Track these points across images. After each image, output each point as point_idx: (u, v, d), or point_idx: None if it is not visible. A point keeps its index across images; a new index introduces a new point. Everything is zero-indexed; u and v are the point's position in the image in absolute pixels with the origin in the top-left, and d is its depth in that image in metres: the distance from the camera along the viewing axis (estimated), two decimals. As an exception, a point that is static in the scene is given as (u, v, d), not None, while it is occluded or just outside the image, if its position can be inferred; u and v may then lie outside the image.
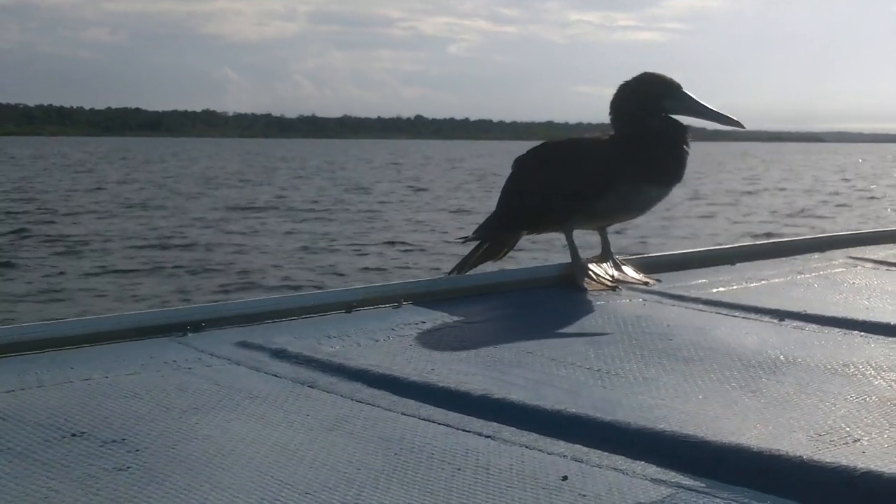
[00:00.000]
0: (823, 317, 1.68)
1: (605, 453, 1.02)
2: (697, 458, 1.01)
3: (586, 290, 1.91)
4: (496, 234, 2.06)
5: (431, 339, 1.52)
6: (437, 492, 0.92)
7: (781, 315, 1.70)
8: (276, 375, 1.29)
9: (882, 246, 2.57)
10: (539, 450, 1.03)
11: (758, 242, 2.46)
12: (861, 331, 1.60)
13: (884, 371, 1.36)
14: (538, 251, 8.50)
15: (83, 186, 22.85)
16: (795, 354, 1.44)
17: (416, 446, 1.03)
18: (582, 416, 1.11)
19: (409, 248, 11.71)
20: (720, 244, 2.47)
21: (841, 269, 2.23)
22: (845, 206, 19.60)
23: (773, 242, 2.47)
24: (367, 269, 10.04)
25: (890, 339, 1.55)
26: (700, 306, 1.79)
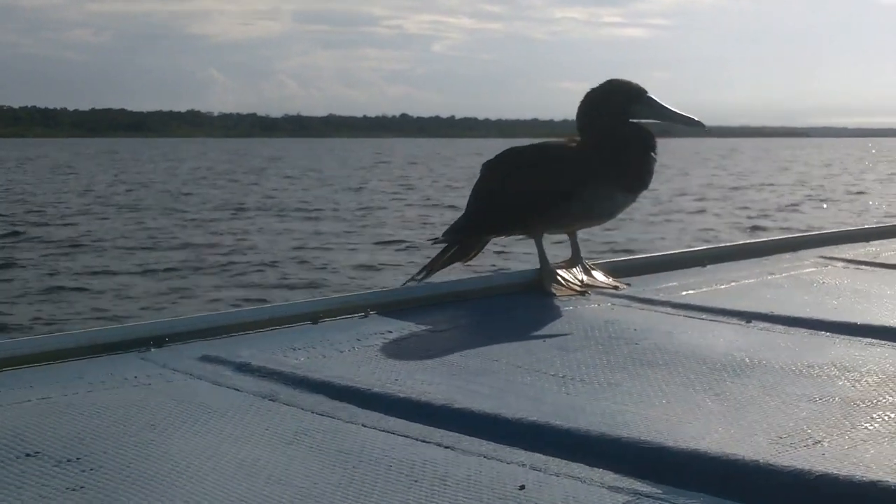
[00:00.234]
0: (791, 317, 1.68)
1: (564, 461, 1.02)
2: (656, 464, 1.01)
3: (555, 295, 1.90)
4: (465, 237, 2.06)
5: (397, 349, 1.51)
6: None
7: (749, 317, 1.70)
8: (237, 389, 1.28)
9: (853, 245, 2.59)
10: (498, 459, 1.03)
11: (729, 244, 2.46)
12: (828, 331, 1.60)
13: (848, 371, 1.36)
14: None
15: (85, 188, 22.71)
16: (761, 356, 1.45)
17: (375, 459, 1.03)
18: (542, 424, 1.11)
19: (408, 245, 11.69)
20: (690, 246, 2.48)
21: (812, 269, 2.24)
22: (830, 200, 19.72)
23: (744, 243, 2.47)
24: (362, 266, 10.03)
25: (855, 338, 1.55)
26: (668, 309, 1.79)
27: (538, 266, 1.99)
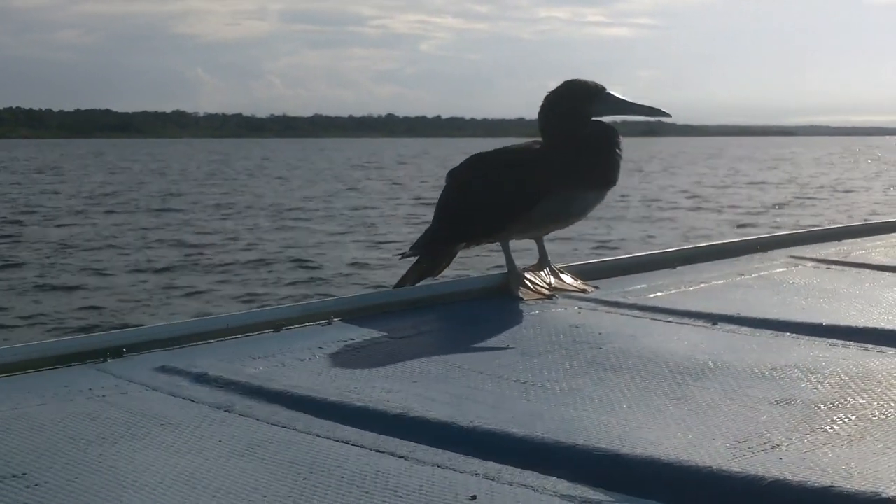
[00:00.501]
0: (757, 319, 1.67)
1: (518, 470, 1.01)
2: (611, 471, 1.00)
3: (522, 299, 1.89)
4: (434, 249, 2.05)
5: (358, 357, 1.50)
6: None
7: (715, 319, 1.70)
8: (192, 401, 1.26)
9: (823, 244, 2.58)
10: (452, 468, 1.01)
11: (698, 245, 2.45)
12: (793, 332, 1.59)
13: (811, 373, 1.35)
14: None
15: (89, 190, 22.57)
16: (724, 359, 1.44)
17: (326, 470, 1.01)
18: (498, 431, 1.10)
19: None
20: (661, 249, 2.47)
21: (782, 269, 2.23)
22: (817, 198, 19.81)
23: (714, 244, 2.46)
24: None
25: (820, 339, 1.55)
26: (635, 312, 1.78)
27: (505, 270, 1.98)
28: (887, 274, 2.16)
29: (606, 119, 1.97)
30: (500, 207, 1.93)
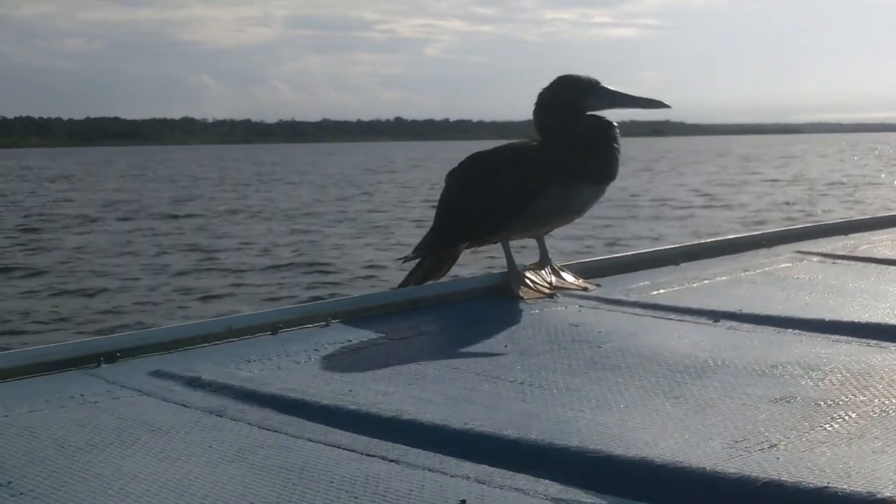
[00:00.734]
0: (759, 315, 1.65)
1: (510, 473, 0.99)
2: (604, 473, 0.98)
3: (522, 298, 1.87)
4: (436, 250, 2.03)
5: (355, 359, 1.48)
6: None
7: (717, 316, 1.68)
8: (185, 405, 1.25)
9: (830, 239, 2.55)
10: (442, 472, 1.00)
11: (703, 241, 2.43)
12: (796, 328, 1.57)
13: (812, 370, 1.33)
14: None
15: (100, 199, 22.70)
16: (725, 356, 1.42)
17: (316, 474, 1.00)
18: (491, 434, 1.08)
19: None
20: (665, 246, 2.45)
21: (787, 265, 2.21)
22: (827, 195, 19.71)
23: (719, 240, 2.44)
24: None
25: (823, 335, 1.52)
26: (637, 310, 1.76)
27: (505, 269, 1.96)
28: (893, 268, 2.13)
29: (605, 113, 1.94)
30: (499, 206, 1.91)
